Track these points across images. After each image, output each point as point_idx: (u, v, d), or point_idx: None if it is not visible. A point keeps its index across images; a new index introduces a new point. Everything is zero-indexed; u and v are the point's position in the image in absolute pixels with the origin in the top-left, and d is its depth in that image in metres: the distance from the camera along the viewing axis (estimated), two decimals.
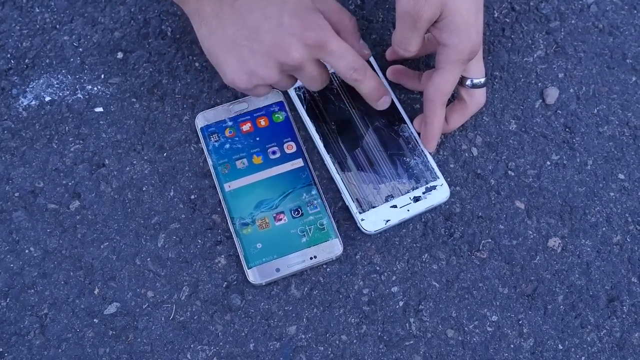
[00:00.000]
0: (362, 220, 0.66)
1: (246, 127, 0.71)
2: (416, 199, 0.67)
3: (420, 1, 0.59)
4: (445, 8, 0.60)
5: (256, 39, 0.61)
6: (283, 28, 0.60)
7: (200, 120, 0.71)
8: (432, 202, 0.67)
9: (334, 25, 0.62)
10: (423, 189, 0.67)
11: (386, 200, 0.67)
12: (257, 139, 0.70)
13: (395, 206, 0.66)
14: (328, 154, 0.68)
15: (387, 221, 0.66)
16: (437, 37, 0.62)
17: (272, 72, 0.62)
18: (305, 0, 0.62)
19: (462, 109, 0.69)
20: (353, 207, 0.66)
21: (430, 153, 0.69)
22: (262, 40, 0.61)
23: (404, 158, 0.68)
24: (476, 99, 0.69)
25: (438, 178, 0.68)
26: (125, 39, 0.76)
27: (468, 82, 0.67)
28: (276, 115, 0.71)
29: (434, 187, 0.67)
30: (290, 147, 0.70)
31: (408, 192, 0.67)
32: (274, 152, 0.70)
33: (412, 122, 0.71)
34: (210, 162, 0.69)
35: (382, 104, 0.66)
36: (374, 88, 0.65)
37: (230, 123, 0.71)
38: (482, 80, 0.67)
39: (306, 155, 0.70)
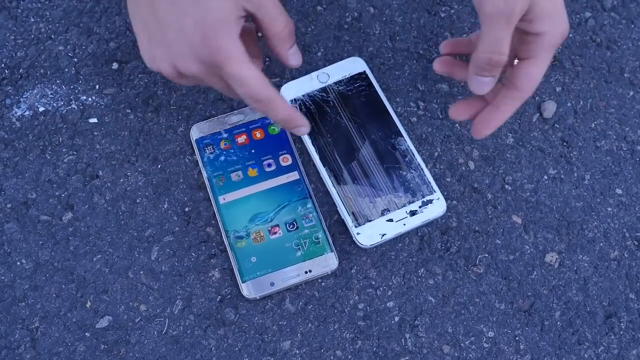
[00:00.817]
0: (358, 234, 0.65)
1: (241, 139, 0.70)
2: (412, 213, 0.66)
3: None
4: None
5: (161, 30, 0.57)
6: (183, 33, 0.56)
7: (195, 132, 0.70)
8: (429, 216, 0.66)
9: (265, 30, 0.59)
10: (419, 202, 0.67)
11: (382, 214, 0.66)
12: (253, 151, 0.70)
13: (391, 220, 0.66)
14: (324, 166, 0.68)
15: (383, 235, 0.65)
16: (529, 29, 0.57)
17: (172, 71, 0.59)
18: (228, 6, 0.56)
19: (514, 95, 0.61)
20: (349, 221, 0.66)
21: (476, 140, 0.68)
22: (165, 36, 0.57)
23: (401, 171, 0.68)
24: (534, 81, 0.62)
25: (434, 192, 0.67)
26: (121, 50, 0.76)
27: None
28: (272, 128, 0.71)
29: (430, 201, 0.67)
30: (285, 160, 0.69)
31: (404, 205, 0.66)
32: (269, 165, 0.69)
33: (409, 135, 0.70)
34: (204, 174, 0.69)
35: (297, 133, 0.62)
36: (282, 119, 0.60)
37: (225, 135, 0.71)
38: None
39: (302, 168, 0.69)
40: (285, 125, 0.61)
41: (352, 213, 0.66)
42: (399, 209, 0.66)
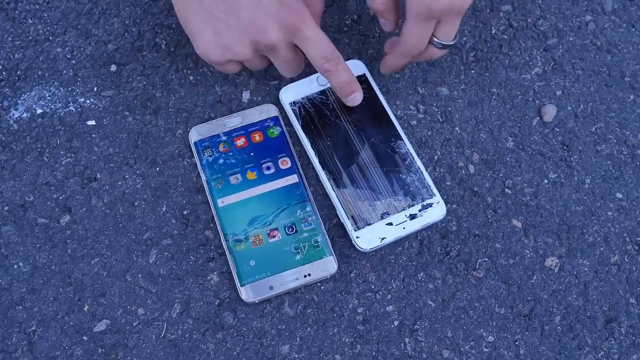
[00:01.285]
0: (357, 237, 0.65)
1: (240, 142, 0.70)
2: (412, 217, 0.66)
3: None
4: None
5: (233, 14, 0.61)
6: (261, 6, 0.61)
7: (194, 135, 0.70)
8: (429, 219, 0.66)
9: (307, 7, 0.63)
10: (419, 206, 0.66)
11: (382, 218, 0.66)
12: (252, 154, 0.69)
13: (390, 224, 0.65)
14: (323, 169, 0.68)
15: (383, 239, 0.65)
16: None
17: (246, 49, 0.63)
18: None
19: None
20: (348, 225, 0.65)
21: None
22: (240, 17, 0.61)
23: (400, 175, 0.68)
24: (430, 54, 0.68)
25: (434, 195, 0.67)
26: (119, 52, 0.75)
27: (435, 41, 0.65)
28: (271, 130, 0.71)
29: (430, 205, 0.66)
30: (285, 163, 0.69)
31: (404, 209, 0.66)
32: (268, 168, 0.69)
33: (408, 138, 0.70)
34: (203, 177, 0.68)
35: (352, 100, 0.68)
36: (344, 82, 0.66)
37: (224, 138, 0.70)
38: (447, 43, 0.66)
39: (301, 171, 0.69)
40: (344, 89, 0.67)
41: (352, 216, 0.66)
42: (398, 212, 0.66)
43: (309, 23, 0.62)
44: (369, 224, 0.65)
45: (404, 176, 0.67)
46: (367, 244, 0.65)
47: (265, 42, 0.62)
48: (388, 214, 0.66)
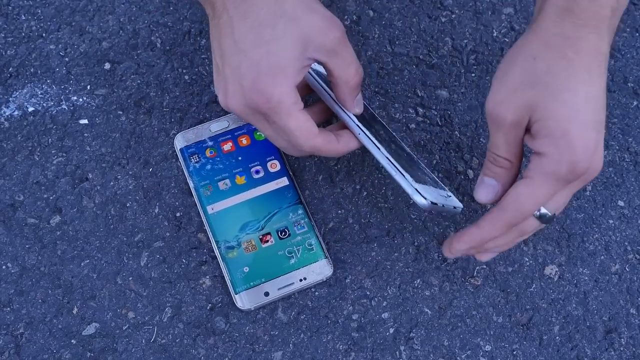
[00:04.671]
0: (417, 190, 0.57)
1: (227, 146, 0.68)
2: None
3: (501, 103, 0.52)
4: (536, 112, 0.51)
5: (222, 62, 0.55)
6: (238, 74, 0.53)
7: (180, 141, 0.69)
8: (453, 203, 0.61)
9: (335, 78, 0.56)
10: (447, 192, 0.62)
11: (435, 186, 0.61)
12: (240, 158, 0.68)
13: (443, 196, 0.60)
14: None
15: (448, 197, 0.60)
16: (531, 146, 0.52)
17: (225, 103, 0.56)
18: (291, 55, 0.53)
19: (493, 214, 0.55)
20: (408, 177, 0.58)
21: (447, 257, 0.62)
22: (224, 69, 0.54)
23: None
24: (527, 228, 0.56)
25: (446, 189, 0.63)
26: (113, 50, 0.74)
27: (536, 213, 0.54)
28: (258, 133, 0.69)
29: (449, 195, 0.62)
30: (274, 166, 0.68)
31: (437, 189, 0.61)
32: (257, 172, 0.67)
33: (404, 142, 0.69)
34: (191, 184, 0.67)
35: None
36: (336, 155, 0.59)
37: (210, 143, 0.69)
38: (550, 214, 0.55)
39: (291, 173, 0.68)
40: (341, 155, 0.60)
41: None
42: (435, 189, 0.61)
43: (281, 112, 0.53)
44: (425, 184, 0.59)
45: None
46: (429, 197, 0.57)
47: (230, 109, 0.55)
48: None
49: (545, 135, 0.51)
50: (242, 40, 0.53)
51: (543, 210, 0.54)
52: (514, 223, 0.54)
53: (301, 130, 0.55)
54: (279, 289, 0.63)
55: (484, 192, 0.57)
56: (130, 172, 0.69)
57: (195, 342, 0.62)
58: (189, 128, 0.69)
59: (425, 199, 0.56)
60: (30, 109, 0.71)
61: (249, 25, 0.53)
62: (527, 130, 0.52)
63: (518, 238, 0.57)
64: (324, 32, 0.54)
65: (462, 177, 0.69)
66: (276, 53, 0.52)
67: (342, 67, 0.56)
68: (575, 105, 0.50)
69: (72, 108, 0.71)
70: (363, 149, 0.61)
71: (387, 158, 0.58)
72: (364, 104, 0.61)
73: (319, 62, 0.55)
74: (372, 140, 0.59)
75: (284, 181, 0.67)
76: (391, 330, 0.63)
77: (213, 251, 0.65)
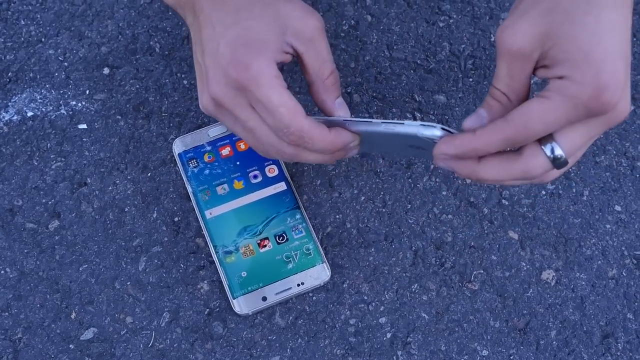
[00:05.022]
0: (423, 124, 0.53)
1: (225, 151, 0.69)
2: None
3: (509, 27, 0.46)
4: (551, 38, 0.44)
5: (202, 59, 0.52)
6: (216, 55, 0.50)
7: (178, 146, 0.69)
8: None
9: (310, 73, 0.53)
10: None
11: None
12: (238, 163, 0.68)
13: None
14: None
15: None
16: (549, 76, 0.45)
17: (210, 104, 0.52)
18: (270, 31, 0.51)
19: (497, 124, 0.47)
20: None
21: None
22: (204, 62, 0.51)
23: None
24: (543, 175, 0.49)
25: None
26: (112, 55, 0.74)
27: (547, 148, 0.47)
28: None
29: None
30: (272, 171, 0.68)
31: None
32: (255, 176, 0.68)
33: None
34: (189, 189, 0.67)
35: (348, 156, 0.56)
36: (322, 150, 0.52)
37: (208, 148, 0.69)
38: (563, 157, 0.47)
39: (289, 177, 0.68)
40: (328, 159, 0.54)
41: None
42: None
43: (262, 84, 0.49)
44: None
45: None
46: None
47: (213, 97, 0.51)
48: None
49: (564, 59, 0.44)
50: (219, 24, 0.51)
51: (558, 152, 0.46)
52: (514, 140, 0.46)
53: (287, 106, 0.50)
54: (276, 293, 0.63)
55: (470, 119, 0.50)
56: (128, 177, 0.69)
57: (193, 347, 0.63)
58: (187, 133, 0.70)
59: (435, 126, 0.50)
60: (29, 113, 0.71)
61: (226, 11, 0.51)
62: (540, 66, 0.46)
63: (520, 179, 0.49)
64: (303, 19, 0.52)
65: (460, 182, 0.69)
66: (255, 29, 0.50)
67: (318, 61, 0.53)
68: (598, 31, 0.43)
69: (71, 113, 0.72)
70: (361, 155, 0.61)
71: (383, 121, 0.53)
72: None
73: (296, 53, 0.52)
74: (360, 118, 0.56)
75: (282, 186, 0.67)
76: (388, 335, 0.63)
77: (211, 256, 0.65)
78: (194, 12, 0.54)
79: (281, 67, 0.52)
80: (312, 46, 0.52)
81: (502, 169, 0.49)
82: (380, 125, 0.52)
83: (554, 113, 0.44)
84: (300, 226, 0.66)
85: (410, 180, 0.69)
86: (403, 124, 0.51)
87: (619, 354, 0.63)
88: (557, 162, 0.47)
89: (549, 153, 0.46)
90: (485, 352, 0.63)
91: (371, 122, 0.52)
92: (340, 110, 0.55)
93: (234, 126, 0.54)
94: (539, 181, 0.50)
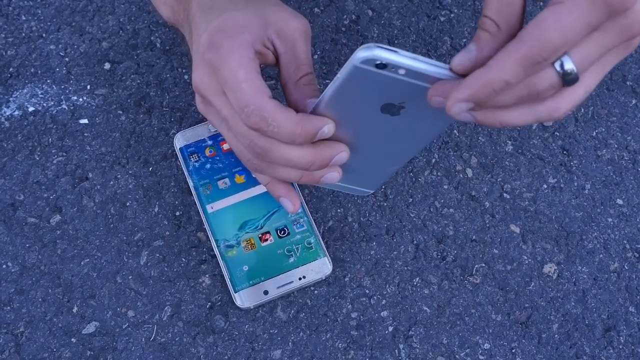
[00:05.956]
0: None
1: (227, 145, 0.68)
2: None
3: None
4: None
5: (194, 46, 0.51)
6: (198, 44, 0.50)
7: (179, 140, 0.69)
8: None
9: (284, 75, 0.52)
10: None
11: None
12: None
13: None
14: None
15: None
16: None
17: (198, 97, 0.52)
18: (252, 24, 0.50)
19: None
20: None
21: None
22: (196, 47, 0.51)
23: None
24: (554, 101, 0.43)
25: None
26: (113, 50, 0.74)
27: (557, 63, 0.40)
28: None
29: None
30: None
31: None
32: None
33: None
34: (191, 183, 0.67)
35: (338, 162, 0.52)
36: (297, 162, 0.49)
37: (210, 142, 0.69)
38: (575, 70, 0.40)
39: None
40: (308, 167, 0.50)
41: None
42: None
43: (230, 63, 0.47)
44: None
45: None
46: None
47: (194, 86, 0.50)
48: None
49: None
50: (205, 23, 0.50)
51: (568, 65, 0.40)
52: (532, 59, 0.39)
53: (250, 83, 0.47)
54: (278, 287, 0.63)
55: (459, 56, 0.43)
56: (130, 172, 0.69)
57: (194, 341, 0.63)
58: (188, 127, 0.70)
59: (369, 46, 0.43)
60: (31, 108, 0.71)
61: (214, 13, 0.51)
62: None
63: (527, 102, 0.42)
64: (287, 20, 0.51)
65: (461, 175, 0.69)
66: (235, 17, 0.50)
67: (294, 63, 0.51)
68: None
69: (72, 108, 0.72)
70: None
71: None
72: None
73: (276, 53, 0.51)
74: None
75: None
76: (390, 329, 0.63)
77: (212, 250, 0.65)
78: (189, 25, 0.54)
79: (262, 67, 0.51)
80: (292, 47, 0.51)
81: (514, 94, 0.42)
82: (337, 80, 0.45)
83: (569, 16, 0.38)
84: (302, 220, 0.65)
85: (411, 174, 0.69)
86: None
87: (621, 347, 0.63)
88: (567, 78, 0.41)
89: (558, 68, 0.40)
90: (487, 346, 0.63)
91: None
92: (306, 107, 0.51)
93: (214, 119, 0.52)
94: (550, 110, 0.43)
